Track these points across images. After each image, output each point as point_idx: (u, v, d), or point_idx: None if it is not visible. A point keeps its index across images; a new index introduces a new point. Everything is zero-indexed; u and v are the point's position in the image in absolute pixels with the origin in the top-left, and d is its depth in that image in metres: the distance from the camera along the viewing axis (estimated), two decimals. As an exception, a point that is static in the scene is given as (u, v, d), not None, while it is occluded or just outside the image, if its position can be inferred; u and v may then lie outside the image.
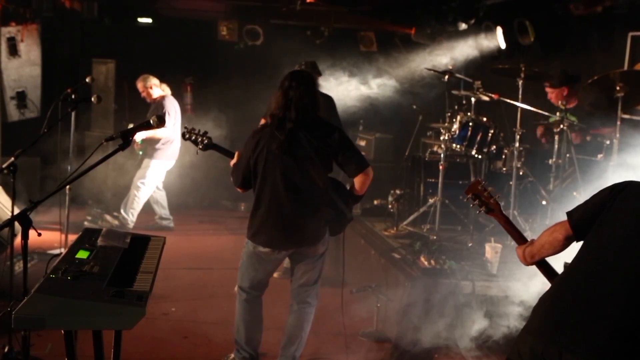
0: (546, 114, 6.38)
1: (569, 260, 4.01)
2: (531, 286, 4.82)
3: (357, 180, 4.30)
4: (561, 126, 5.92)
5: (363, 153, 4.53)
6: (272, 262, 4.40)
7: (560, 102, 6.13)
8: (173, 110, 7.97)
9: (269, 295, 4.60)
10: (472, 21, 8.67)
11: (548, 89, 6.64)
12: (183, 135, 4.83)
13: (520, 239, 3.10)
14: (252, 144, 4.19)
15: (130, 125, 7.97)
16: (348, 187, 4.44)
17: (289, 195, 4.16)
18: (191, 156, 6.71)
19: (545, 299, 2.78)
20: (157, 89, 8.10)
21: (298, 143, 4.12)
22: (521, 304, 4.77)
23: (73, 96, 5.75)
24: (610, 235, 2.71)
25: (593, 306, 2.59)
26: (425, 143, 8.23)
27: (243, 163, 4.25)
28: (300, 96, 4.13)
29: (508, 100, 6.33)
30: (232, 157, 4.54)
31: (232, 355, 4.54)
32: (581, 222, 2.79)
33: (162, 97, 8.04)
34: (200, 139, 4.74)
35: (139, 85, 8.13)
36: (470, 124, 6.61)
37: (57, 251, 6.12)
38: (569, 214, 2.85)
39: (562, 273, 2.89)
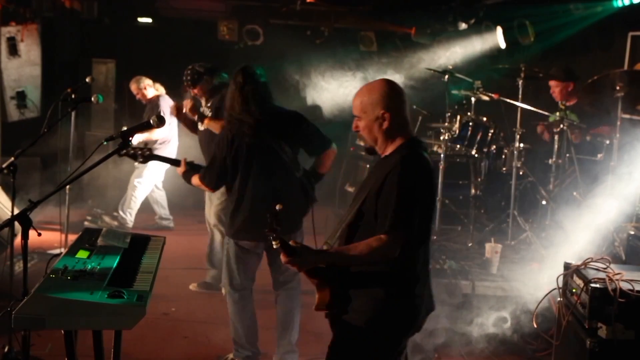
0: (546, 113, 6.37)
1: (569, 260, 4.02)
2: (531, 286, 4.82)
3: (323, 158, 4.40)
4: (561, 126, 5.91)
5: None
6: (254, 255, 4.41)
7: (561, 101, 6.12)
8: (168, 109, 7.95)
9: (267, 296, 4.60)
10: (472, 21, 8.67)
11: (553, 83, 6.52)
12: (118, 154, 4.69)
13: None
14: (227, 142, 4.21)
15: (124, 128, 8.01)
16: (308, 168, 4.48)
17: (269, 186, 4.21)
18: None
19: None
20: (151, 89, 8.08)
21: (267, 134, 4.19)
22: (521, 303, 4.77)
23: (73, 96, 5.74)
24: None
25: None
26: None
27: (218, 163, 4.25)
28: (256, 89, 4.22)
29: (508, 100, 6.32)
30: (179, 165, 4.51)
31: (231, 356, 4.53)
32: None
33: (157, 97, 8.02)
34: (139, 152, 4.54)
35: (133, 87, 8.12)
36: (470, 123, 6.60)
37: (57, 251, 6.10)
38: None
39: None
